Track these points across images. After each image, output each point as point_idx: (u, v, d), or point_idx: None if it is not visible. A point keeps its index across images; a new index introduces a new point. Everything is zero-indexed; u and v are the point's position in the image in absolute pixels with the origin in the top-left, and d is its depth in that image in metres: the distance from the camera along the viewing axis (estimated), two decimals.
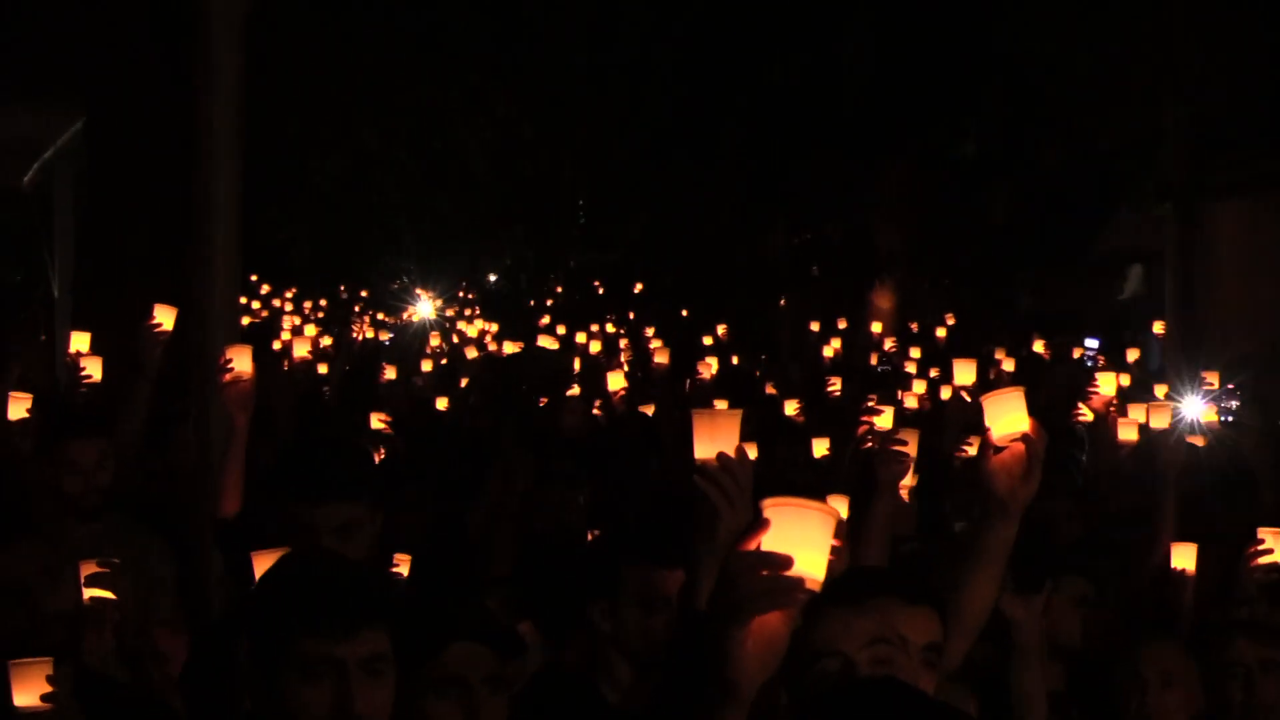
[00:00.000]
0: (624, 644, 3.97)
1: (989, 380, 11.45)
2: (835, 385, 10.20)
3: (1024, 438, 3.29)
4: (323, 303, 28.45)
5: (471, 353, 16.38)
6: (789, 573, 2.41)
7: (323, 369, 12.38)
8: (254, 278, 24.21)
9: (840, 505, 4.62)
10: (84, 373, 6.54)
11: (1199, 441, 7.78)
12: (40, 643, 3.64)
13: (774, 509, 2.46)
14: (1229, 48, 15.68)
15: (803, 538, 2.45)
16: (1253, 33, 15.60)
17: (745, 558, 2.44)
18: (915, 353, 14.55)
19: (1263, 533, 4.89)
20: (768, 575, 2.40)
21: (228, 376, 5.11)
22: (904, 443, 5.28)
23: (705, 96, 18.54)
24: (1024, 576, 4.22)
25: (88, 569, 3.88)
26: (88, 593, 3.82)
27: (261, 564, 3.34)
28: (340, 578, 2.75)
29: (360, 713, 2.62)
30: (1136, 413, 8.05)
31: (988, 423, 3.33)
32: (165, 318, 6.35)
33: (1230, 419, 10.71)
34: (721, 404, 8.15)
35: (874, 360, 15.13)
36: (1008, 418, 3.31)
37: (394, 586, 4.78)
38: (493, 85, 18.34)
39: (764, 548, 2.43)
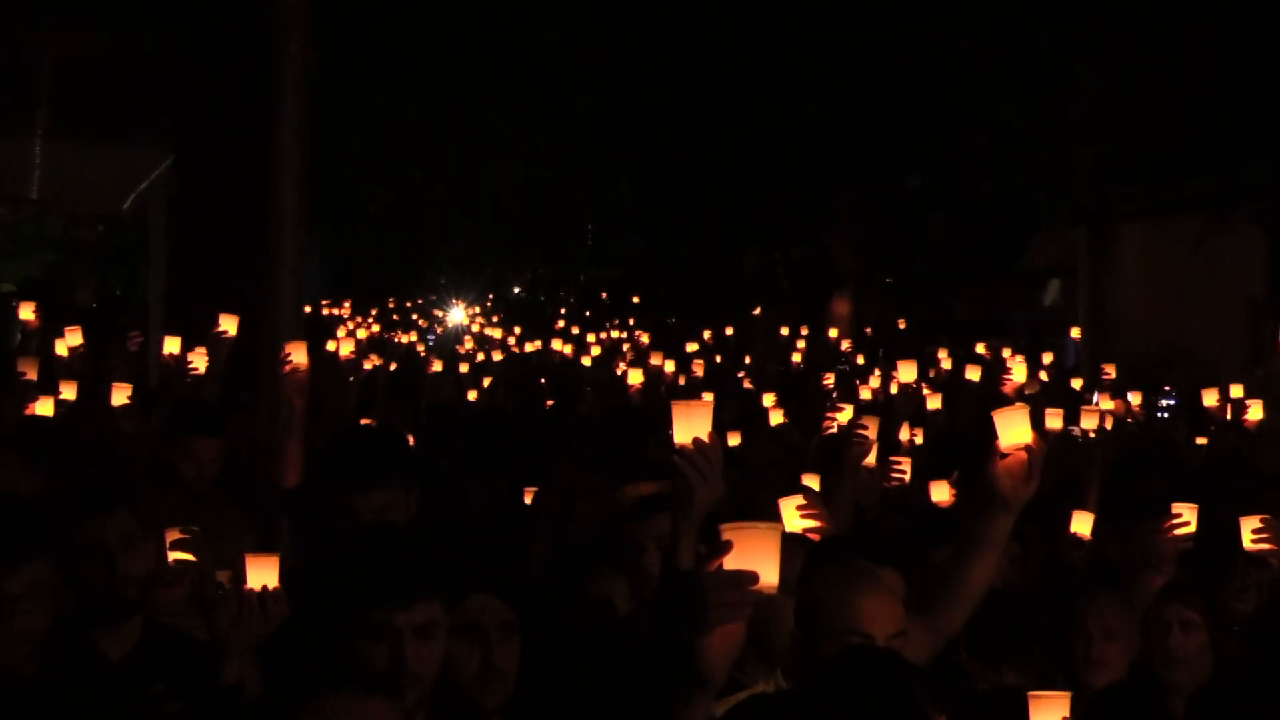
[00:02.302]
0: None
1: (930, 377, 11.38)
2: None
3: (1026, 448, 3.33)
4: (373, 311, 28.45)
5: (498, 355, 16.33)
6: (751, 586, 2.41)
7: (371, 362, 12.30)
8: None
9: (812, 482, 4.61)
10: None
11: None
12: (114, 598, 3.62)
13: (732, 532, 2.43)
14: (1130, 97, 15.66)
15: (759, 552, 2.42)
16: (1150, 83, 15.57)
17: (711, 577, 2.43)
18: (860, 359, 14.52)
19: (1178, 507, 4.81)
20: (731, 593, 2.40)
21: (287, 368, 5.07)
22: (866, 428, 5.24)
23: (691, 141, 18.59)
24: None
25: (172, 535, 3.83)
26: (172, 555, 3.78)
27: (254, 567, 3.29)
28: (401, 555, 2.74)
29: (412, 671, 2.65)
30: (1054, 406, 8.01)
31: (998, 433, 3.34)
32: (229, 325, 6.29)
33: (1165, 415, 10.70)
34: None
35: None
36: (1015, 430, 3.34)
37: (448, 560, 4.70)
38: (517, 132, 18.43)
39: (726, 566, 2.42)
